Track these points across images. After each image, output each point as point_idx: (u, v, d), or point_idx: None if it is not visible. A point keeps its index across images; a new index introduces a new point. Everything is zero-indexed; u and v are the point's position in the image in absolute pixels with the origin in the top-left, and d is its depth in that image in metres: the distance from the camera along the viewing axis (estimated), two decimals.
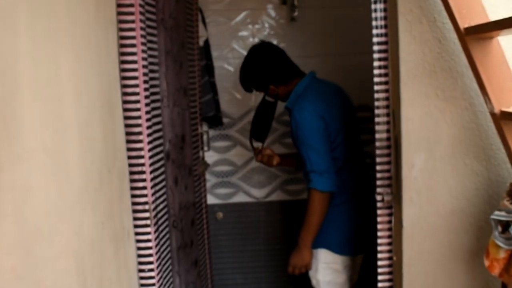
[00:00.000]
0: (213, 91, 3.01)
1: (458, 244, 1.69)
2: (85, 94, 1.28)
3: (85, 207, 1.23)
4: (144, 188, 1.75)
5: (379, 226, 1.78)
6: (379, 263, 1.81)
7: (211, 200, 3.17)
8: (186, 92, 2.32)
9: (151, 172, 1.79)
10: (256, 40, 3.11)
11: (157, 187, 1.88)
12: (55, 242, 1.06)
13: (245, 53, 3.09)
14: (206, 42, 2.96)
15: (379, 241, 1.79)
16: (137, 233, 1.76)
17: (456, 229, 1.69)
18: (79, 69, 1.27)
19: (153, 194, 1.81)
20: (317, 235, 2.26)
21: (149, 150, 1.78)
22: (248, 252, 3.27)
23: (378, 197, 1.76)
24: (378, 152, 1.74)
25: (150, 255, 1.77)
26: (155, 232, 1.81)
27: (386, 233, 1.78)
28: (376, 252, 1.82)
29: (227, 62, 3.13)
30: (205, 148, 2.63)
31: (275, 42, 3.12)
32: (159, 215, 1.89)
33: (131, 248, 1.73)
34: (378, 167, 1.75)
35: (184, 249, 2.22)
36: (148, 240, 1.77)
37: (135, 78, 1.71)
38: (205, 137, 2.62)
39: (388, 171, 1.75)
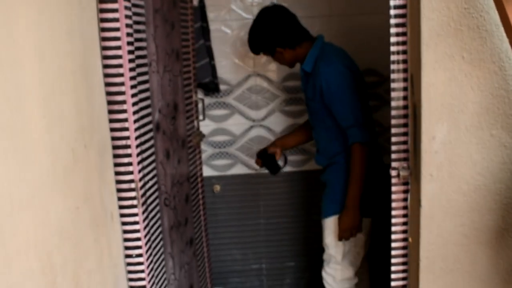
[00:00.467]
0: (209, 56, 2.78)
1: (481, 224, 1.52)
2: (49, 56, 1.07)
3: (52, 191, 1.04)
4: (130, 164, 1.56)
5: (393, 204, 1.59)
6: (393, 244, 1.63)
7: (207, 172, 2.98)
8: (179, 56, 2.10)
9: (137, 146, 1.60)
10: (256, 2, 2.87)
11: (145, 162, 1.68)
12: (12, 237, 0.87)
13: (244, 14, 2.89)
14: (201, 1, 2.71)
15: (393, 220, 1.61)
16: (122, 215, 1.58)
17: (479, 208, 1.51)
18: (42, 25, 1.05)
19: (140, 171, 1.62)
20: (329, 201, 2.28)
21: (135, 121, 1.58)
22: (247, 227, 3.10)
23: (393, 172, 1.57)
24: (393, 122, 1.54)
25: (138, 239, 1.59)
26: (143, 212, 1.62)
27: (401, 212, 1.60)
28: (383, 219, 1.68)
29: (225, 24, 2.89)
30: (200, 118, 2.42)
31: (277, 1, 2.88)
32: (148, 194, 1.70)
33: (116, 232, 1.55)
34: (393, 139, 1.55)
35: (178, 229, 2.04)
36: (136, 222, 1.59)
37: (117, 38, 1.49)
38: (200, 105, 2.41)
39: (404, 143, 1.56)
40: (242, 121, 2.99)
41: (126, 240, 1.58)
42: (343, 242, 2.24)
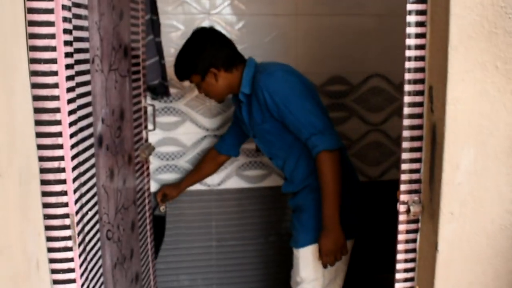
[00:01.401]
0: (159, 54, 2.39)
1: (506, 271, 1.25)
2: None
3: None
4: (64, 193, 1.16)
5: (399, 247, 1.29)
6: None
7: (152, 187, 2.58)
8: (127, 53, 1.71)
9: (74, 168, 1.20)
10: None
11: (84, 188, 1.29)
12: None
13: (199, 7, 2.53)
14: None
15: (397, 266, 1.31)
16: (52, 260, 1.18)
17: (505, 253, 1.24)
18: None
19: (77, 200, 1.22)
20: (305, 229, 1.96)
21: (72, 135, 1.19)
22: (197, 249, 2.73)
23: (402, 207, 1.27)
24: (404, 144, 1.24)
25: None
26: (80, 255, 1.23)
27: (408, 256, 1.30)
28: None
29: (176, 18, 2.52)
30: (150, 127, 2.03)
31: None
32: (87, 229, 1.31)
33: (43, 284, 1.14)
34: (403, 166, 1.25)
35: (122, 265, 1.65)
36: (70, 270, 1.19)
37: (50, 23, 1.10)
38: (150, 111, 2.02)
39: (417, 171, 1.26)
40: (194, 129, 2.62)
41: None
42: (322, 274, 1.92)
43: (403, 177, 1.26)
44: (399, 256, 1.29)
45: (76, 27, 1.23)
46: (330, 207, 1.83)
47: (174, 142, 2.62)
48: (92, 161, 1.36)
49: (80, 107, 1.27)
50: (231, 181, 2.70)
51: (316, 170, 1.87)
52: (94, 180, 1.37)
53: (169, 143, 2.61)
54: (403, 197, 1.27)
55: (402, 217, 1.27)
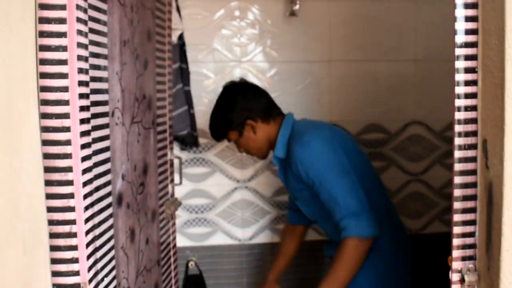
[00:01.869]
0: (188, 103, 2.33)
1: None
2: None
3: None
4: (75, 261, 1.05)
5: None
6: None
7: (180, 241, 2.47)
8: (151, 104, 1.63)
9: (88, 232, 1.10)
10: (242, 40, 2.46)
11: (99, 253, 1.18)
12: None
13: (230, 55, 2.47)
14: (181, 38, 2.28)
15: None
16: None
17: None
18: None
19: (91, 267, 1.11)
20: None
21: (86, 195, 1.09)
22: None
23: (454, 276, 1.11)
24: (456, 205, 1.09)
25: None
26: None
27: None
28: None
29: (206, 67, 2.46)
30: (177, 180, 1.93)
31: (268, 42, 2.47)
32: None
33: None
34: (455, 229, 1.10)
35: None
36: None
37: (63, 76, 1.02)
38: (176, 164, 1.93)
39: (471, 235, 1.10)
40: (224, 181, 2.51)
41: None
42: None
43: (456, 242, 1.10)
44: None
45: (94, 79, 1.15)
46: None
47: (203, 194, 2.51)
48: (110, 222, 1.25)
49: (97, 164, 1.17)
50: (263, 235, 2.56)
51: None
52: (111, 243, 1.26)
53: (198, 195, 2.51)
54: (456, 265, 1.10)
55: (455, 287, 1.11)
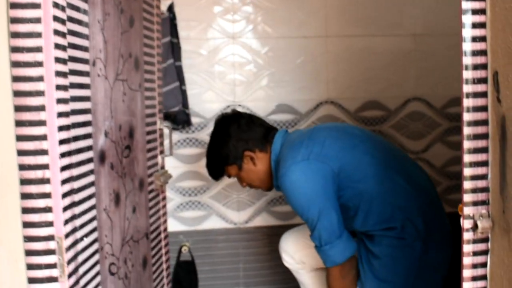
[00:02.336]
0: (180, 80, 2.23)
1: None
2: None
3: None
4: (48, 210, 0.96)
5: (464, 273, 1.02)
6: None
7: (173, 226, 2.37)
8: (138, 65, 1.54)
9: (65, 181, 1.00)
10: (236, 17, 2.37)
11: (78, 209, 1.08)
12: None
13: (222, 32, 2.38)
14: (171, 9, 2.19)
15: None
16: None
17: None
18: None
19: (68, 221, 1.01)
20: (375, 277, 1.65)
21: (62, 141, 1.00)
22: None
23: (466, 223, 1.01)
24: (466, 144, 1.00)
25: None
26: None
27: (478, 285, 1.03)
28: None
29: (199, 44, 2.37)
30: (167, 152, 1.83)
31: (262, 18, 2.38)
32: (81, 259, 1.09)
33: None
34: (465, 171, 1.00)
35: None
36: None
37: (35, 5, 0.93)
38: (167, 134, 1.82)
39: (483, 177, 1.01)
40: None
41: None
42: None
43: (466, 184, 1.01)
44: (466, 286, 1.02)
45: (72, 19, 1.06)
46: None
47: (197, 176, 2.41)
48: (91, 178, 1.16)
49: (76, 112, 1.08)
50: (260, 218, 2.46)
51: (392, 218, 1.61)
52: (93, 202, 1.17)
53: (191, 177, 2.41)
54: (467, 210, 1.01)
55: (467, 236, 1.01)
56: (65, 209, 1.00)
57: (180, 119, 2.25)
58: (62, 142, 0.99)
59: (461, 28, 1.00)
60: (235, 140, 1.74)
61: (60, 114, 0.99)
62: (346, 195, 1.61)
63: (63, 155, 1.00)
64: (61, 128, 0.99)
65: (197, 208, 2.43)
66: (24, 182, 0.94)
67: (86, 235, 1.12)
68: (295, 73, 2.42)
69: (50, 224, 0.96)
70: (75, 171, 1.06)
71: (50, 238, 0.96)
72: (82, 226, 1.10)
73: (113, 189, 1.30)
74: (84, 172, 1.12)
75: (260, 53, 2.40)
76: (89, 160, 1.15)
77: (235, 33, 2.38)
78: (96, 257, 1.17)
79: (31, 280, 0.95)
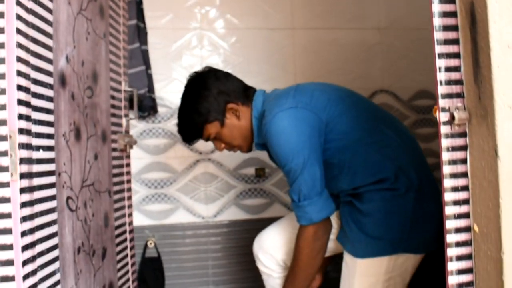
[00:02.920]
0: (145, 63, 2.20)
1: None
2: None
3: None
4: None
5: (444, 169, 0.98)
6: (447, 239, 1.01)
7: (138, 220, 2.26)
8: (104, 12, 1.50)
9: (20, 88, 0.94)
10: (204, 7, 2.38)
11: (34, 115, 1.01)
12: None
13: (189, 22, 2.37)
14: None
15: (445, 196, 0.99)
16: None
17: None
18: None
19: (21, 117, 0.94)
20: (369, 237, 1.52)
21: (21, 45, 0.94)
22: None
23: (443, 116, 0.98)
24: (437, 35, 0.99)
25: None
26: (24, 204, 0.92)
27: (459, 182, 0.99)
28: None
29: (165, 34, 2.36)
30: (131, 115, 1.75)
31: (229, 8, 2.40)
32: (36, 168, 1.00)
33: None
34: (438, 62, 0.99)
35: (89, 257, 1.31)
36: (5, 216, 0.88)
37: None
38: (130, 99, 1.73)
39: (456, 69, 0.99)
40: (185, 153, 2.35)
41: None
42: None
43: (440, 76, 0.99)
44: (446, 183, 0.98)
45: None
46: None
47: (163, 168, 2.33)
48: (49, 93, 1.09)
49: (35, 27, 1.03)
50: (229, 212, 2.38)
51: (384, 169, 1.51)
52: (49, 117, 1.09)
53: (157, 169, 2.33)
54: (443, 103, 0.98)
55: (445, 129, 0.98)
56: (20, 107, 0.93)
57: (146, 105, 2.20)
58: (20, 45, 0.94)
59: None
60: (216, 93, 1.57)
61: (19, 17, 0.94)
62: (332, 148, 1.51)
63: (19, 59, 0.94)
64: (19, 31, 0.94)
65: (164, 201, 2.33)
66: None
67: (43, 149, 1.04)
68: (263, 64, 2.42)
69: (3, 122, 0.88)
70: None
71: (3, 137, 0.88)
72: (38, 137, 1.02)
73: (73, 120, 1.23)
74: (41, 94, 1.05)
75: (228, 43, 2.40)
76: (48, 85, 1.08)
77: (202, 24, 2.39)
78: (53, 178, 1.08)
79: None
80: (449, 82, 0.99)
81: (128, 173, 1.67)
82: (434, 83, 1.00)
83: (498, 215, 0.92)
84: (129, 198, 1.66)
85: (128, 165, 1.67)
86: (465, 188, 0.99)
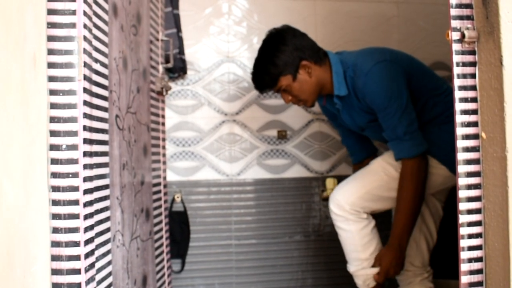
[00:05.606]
0: (177, 27, 2.34)
1: None
2: None
3: None
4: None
5: (455, 83, 1.10)
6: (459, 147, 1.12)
7: (167, 176, 2.40)
8: None
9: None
10: None
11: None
12: None
13: None
14: None
15: (456, 106, 1.11)
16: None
17: None
18: None
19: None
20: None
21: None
22: (215, 249, 2.46)
23: (454, 35, 1.11)
24: None
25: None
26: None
27: (469, 94, 1.11)
28: None
29: (193, 2, 2.50)
30: (169, 63, 1.88)
31: None
32: (96, 78, 1.14)
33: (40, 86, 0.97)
34: None
35: (131, 172, 1.45)
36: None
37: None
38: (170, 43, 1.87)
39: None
40: (212, 114, 2.49)
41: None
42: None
43: (452, 0, 1.11)
44: (457, 94, 1.10)
45: None
46: (401, 224, 1.77)
47: (191, 127, 2.48)
48: (104, 25, 1.23)
49: None
50: (252, 171, 2.51)
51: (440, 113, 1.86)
52: (105, 42, 1.23)
53: (185, 128, 2.47)
54: (454, 24, 1.11)
55: (456, 47, 1.10)
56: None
57: (176, 65, 2.34)
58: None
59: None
60: (293, 48, 1.74)
61: None
62: (413, 85, 1.80)
63: None
64: None
65: (190, 159, 2.47)
66: None
67: (97, 60, 1.18)
68: None
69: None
70: None
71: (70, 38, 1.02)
72: (97, 50, 1.16)
73: (122, 49, 1.37)
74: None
75: (254, 13, 2.54)
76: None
77: None
78: (106, 92, 1.22)
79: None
80: (460, 6, 1.11)
81: (163, 116, 1.81)
82: (449, 54, 1.12)
83: (503, 118, 1.04)
84: (163, 134, 1.80)
85: (163, 109, 1.82)
86: (474, 99, 1.11)
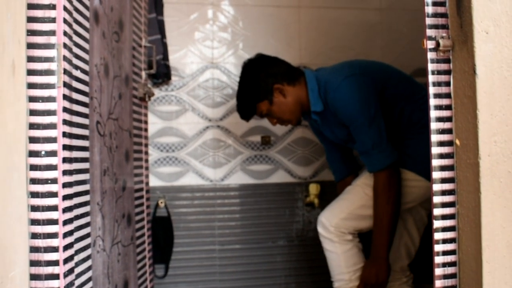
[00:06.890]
0: (161, 33, 2.35)
1: None
2: None
3: None
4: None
5: (430, 90, 1.13)
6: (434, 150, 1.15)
7: (150, 181, 2.40)
8: None
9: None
10: None
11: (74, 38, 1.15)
12: None
13: (202, 3, 2.53)
14: None
15: (431, 114, 1.13)
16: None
17: None
18: None
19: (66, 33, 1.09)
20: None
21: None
22: (198, 254, 2.47)
23: (429, 44, 1.13)
24: None
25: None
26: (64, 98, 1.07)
27: (443, 102, 1.13)
28: None
29: (178, 5, 2.51)
30: (152, 69, 1.90)
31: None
32: (76, 85, 1.15)
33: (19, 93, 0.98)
34: (427, 0, 1.14)
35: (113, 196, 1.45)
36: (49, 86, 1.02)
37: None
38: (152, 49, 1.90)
39: (442, 4, 1.14)
40: (195, 120, 2.50)
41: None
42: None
43: (428, 10, 1.14)
44: (432, 102, 1.13)
45: None
46: (378, 238, 1.80)
47: (175, 133, 2.48)
48: (85, 32, 1.24)
49: None
50: (235, 176, 2.52)
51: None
52: (85, 48, 1.24)
53: (169, 133, 2.48)
54: (430, 32, 1.14)
55: (431, 55, 1.13)
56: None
57: (160, 71, 2.35)
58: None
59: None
60: (264, 76, 1.87)
61: None
62: (388, 94, 1.87)
63: None
64: None
65: (174, 164, 2.48)
66: None
67: (80, 68, 1.19)
68: (270, 40, 2.57)
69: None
70: None
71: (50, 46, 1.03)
72: (77, 57, 1.17)
73: (104, 55, 1.38)
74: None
75: (238, 20, 2.56)
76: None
77: (213, 1, 2.54)
78: (87, 98, 1.23)
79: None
80: (435, 15, 1.14)
81: (146, 122, 1.82)
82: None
83: (476, 125, 1.06)
84: (146, 139, 1.80)
85: (145, 114, 1.83)
86: (448, 107, 1.14)
